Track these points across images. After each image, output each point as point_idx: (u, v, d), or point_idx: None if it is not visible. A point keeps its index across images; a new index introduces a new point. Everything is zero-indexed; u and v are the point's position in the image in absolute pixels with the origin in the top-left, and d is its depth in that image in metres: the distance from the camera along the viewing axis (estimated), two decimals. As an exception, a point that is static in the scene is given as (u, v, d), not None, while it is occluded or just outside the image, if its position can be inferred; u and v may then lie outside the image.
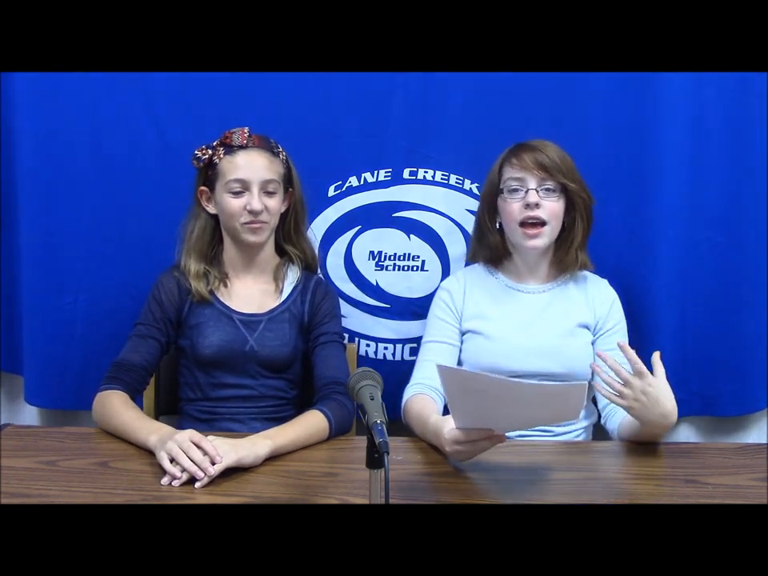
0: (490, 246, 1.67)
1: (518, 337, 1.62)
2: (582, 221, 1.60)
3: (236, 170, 1.56)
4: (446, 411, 1.58)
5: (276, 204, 1.60)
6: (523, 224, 1.58)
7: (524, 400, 1.22)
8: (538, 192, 1.56)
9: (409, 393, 1.59)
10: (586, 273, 1.70)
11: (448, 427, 1.32)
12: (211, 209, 1.62)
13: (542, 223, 1.58)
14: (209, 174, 1.59)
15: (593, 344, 1.64)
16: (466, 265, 1.83)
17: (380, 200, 1.88)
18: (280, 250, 1.70)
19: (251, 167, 1.56)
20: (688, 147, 1.83)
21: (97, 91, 1.79)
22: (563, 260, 1.63)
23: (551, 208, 1.57)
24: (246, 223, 1.56)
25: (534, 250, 1.60)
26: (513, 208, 1.58)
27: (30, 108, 1.80)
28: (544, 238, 1.58)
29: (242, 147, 1.57)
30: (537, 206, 1.55)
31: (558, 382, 1.39)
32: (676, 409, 1.36)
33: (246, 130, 1.58)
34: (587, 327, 1.64)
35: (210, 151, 1.58)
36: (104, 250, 1.86)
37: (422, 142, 1.85)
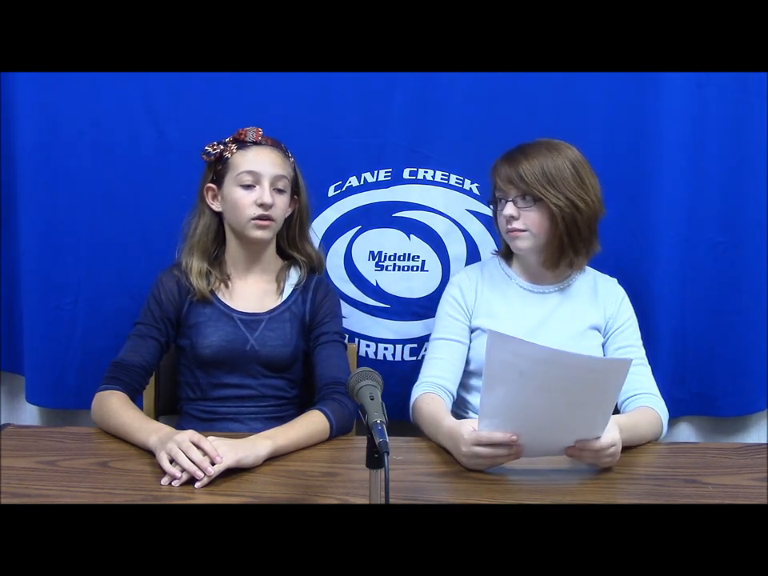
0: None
1: (529, 338, 1.60)
2: (556, 227, 1.57)
3: (248, 162, 1.56)
4: (456, 415, 1.59)
5: (284, 203, 1.60)
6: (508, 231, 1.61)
7: (563, 379, 1.22)
8: (516, 203, 1.57)
9: (418, 391, 1.59)
10: (596, 273, 1.70)
11: (468, 428, 1.32)
12: (216, 206, 1.61)
13: (523, 229, 1.59)
14: (218, 169, 1.59)
15: (603, 345, 1.65)
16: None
17: (380, 200, 1.88)
18: (282, 254, 1.70)
19: (263, 161, 1.56)
20: (688, 147, 1.83)
21: (97, 91, 1.79)
22: (548, 261, 1.62)
23: (528, 218, 1.58)
24: (254, 218, 1.56)
25: (518, 251, 1.63)
26: (500, 219, 1.62)
27: (30, 108, 1.80)
28: (525, 240, 1.59)
29: (255, 143, 1.57)
30: (512, 218, 1.58)
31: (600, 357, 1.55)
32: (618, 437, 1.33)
33: (259, 130, 1.59)
34: (597, 329, 1.65)
35: (221, 146, 1.58)
36: (104, 249, 1.86)
37: (422, 142, 1.85)
